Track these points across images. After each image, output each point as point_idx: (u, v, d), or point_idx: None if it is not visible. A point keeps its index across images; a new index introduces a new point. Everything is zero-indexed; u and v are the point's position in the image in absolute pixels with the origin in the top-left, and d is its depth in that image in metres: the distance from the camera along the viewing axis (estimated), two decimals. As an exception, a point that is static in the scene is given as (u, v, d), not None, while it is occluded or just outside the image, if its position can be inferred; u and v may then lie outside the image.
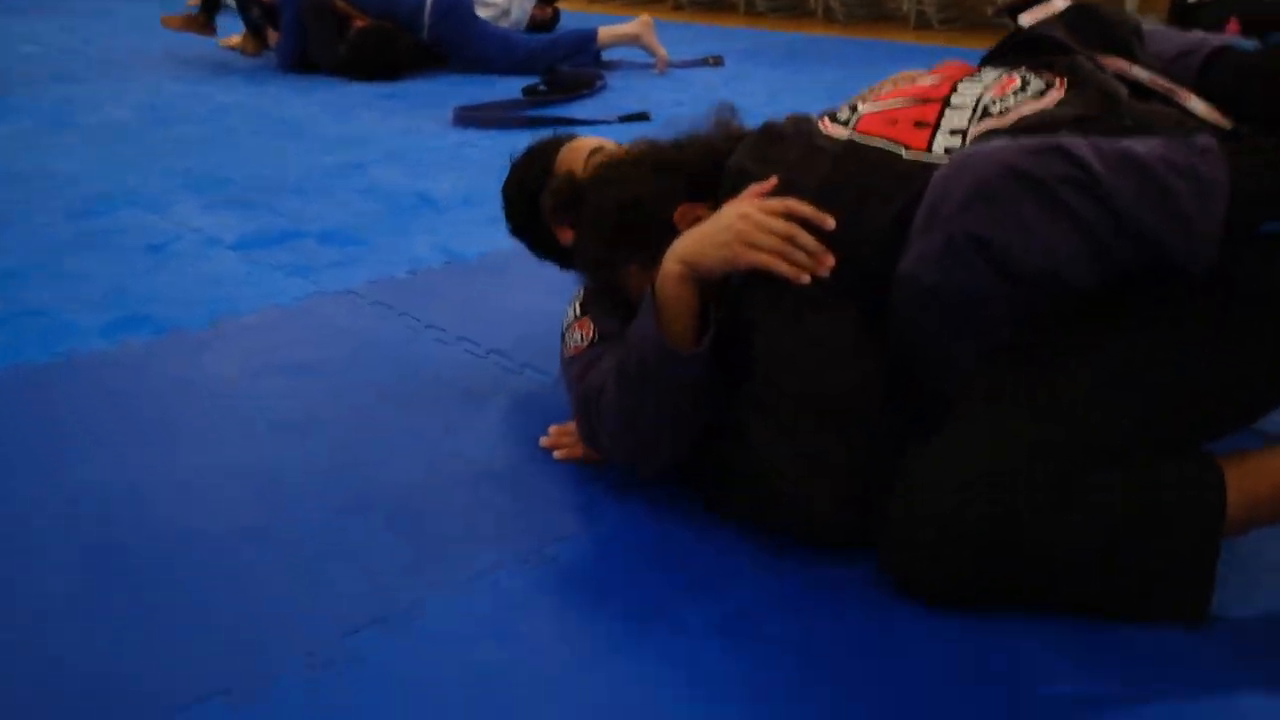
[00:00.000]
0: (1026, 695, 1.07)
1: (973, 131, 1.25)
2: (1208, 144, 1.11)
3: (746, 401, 1.27)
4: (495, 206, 1.85)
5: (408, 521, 1.39)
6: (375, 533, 1.36)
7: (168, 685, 1.10)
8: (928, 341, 1.22)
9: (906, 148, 1.26)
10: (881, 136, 1.29)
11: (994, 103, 1.28)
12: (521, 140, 1.86)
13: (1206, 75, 1.28)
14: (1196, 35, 1.36)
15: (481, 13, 4.75)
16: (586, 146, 1.65)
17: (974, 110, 1.27)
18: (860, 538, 1.24)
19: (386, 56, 4.45)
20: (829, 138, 1.33)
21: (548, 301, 2.08)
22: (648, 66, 4.66)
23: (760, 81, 4.37)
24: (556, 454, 1.53)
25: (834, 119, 1.36)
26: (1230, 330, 1.15)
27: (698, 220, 1.38)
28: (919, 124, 1.29)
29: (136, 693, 1.09)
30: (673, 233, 1.35)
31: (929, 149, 1.25)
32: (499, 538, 1.35)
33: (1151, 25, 1.42)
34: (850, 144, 1.30)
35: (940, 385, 1.23)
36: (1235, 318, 1.15)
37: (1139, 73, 1.28)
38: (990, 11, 1.35)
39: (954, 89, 1.32)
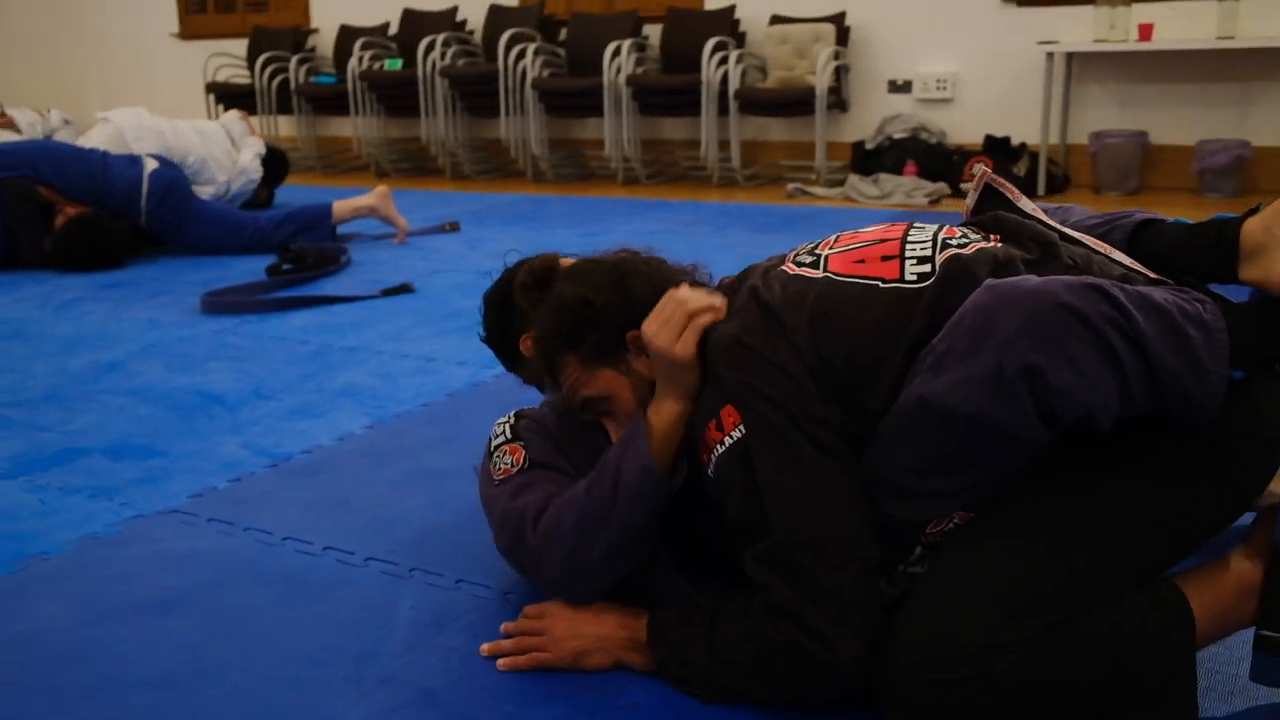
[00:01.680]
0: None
1: (939, 258, 1.32)
2: (1199, 294, 1.22)
3: (758, 565, 1.27)
4: (293, 398, 1.76)
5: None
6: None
7: None
8: (908, 475, 1.24)
9: (883, 280, 1.33)
10: (854, 275, 1.35)
11: (950, 239, 1.37)
12: (274, 322, 1.79)
13: (1136, 240, 1.42)
14: (1111, 212, 1.50)
15: (202, 192, 4.54)
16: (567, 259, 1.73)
17: (933, 243, 1.35)
18: (867, 680, 1.25)
19: (105, 245, 4.13)
20: (804, 278, 1.37)
21: (396, 494, 1.99)
22: (385, 237, 4.60)
23: (507, 241, 4.40)
24: (501, 663, 1.43)
25: (798, 264, 1.41)
26: (1193, 464, 1.24)
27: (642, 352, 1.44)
28: (885, 258, 1.35)
29: None
30: (621, 347, 1.45)
31: (901, 277, 1.32)
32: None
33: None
34: (828, 280, 1.35)
35: (910, 518, 1.27)
36: (1196, 451, 1.24)
37: (1065, 230, 1.40)
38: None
39: (906, 233, 1.41)
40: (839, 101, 5.87)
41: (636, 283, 1.53)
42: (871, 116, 5.93)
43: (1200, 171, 5.10)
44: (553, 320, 1.51)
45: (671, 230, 4.56)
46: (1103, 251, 1.36)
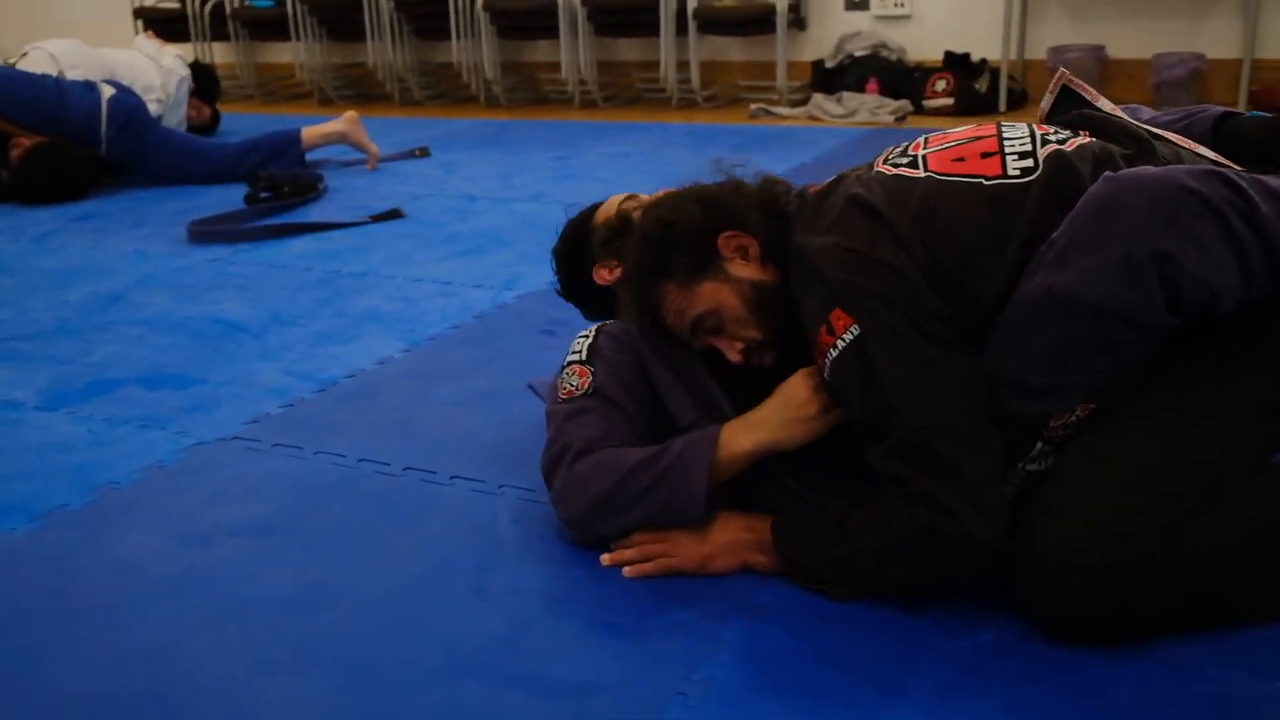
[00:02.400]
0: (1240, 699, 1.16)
1: (1041, 153, 1.35)
2: None
3: (887, 459, 1.30)
4: (316, 324, 1.75)
5: (539, 682, 1.26)
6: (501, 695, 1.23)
7: None
8: (1033, 369, 1.28)
9: (985, 177, 1.35)
10: (956, 174, 1.37)
11: (1048, 135, 1.39)
12: (270, 250, 1.78)
13: (1217, 134, 1.46)
14: (1186, 108, 1.54)
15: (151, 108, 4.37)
16: (617, 198, 1.74)
17: (1032, 138, 1.38)
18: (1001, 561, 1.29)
19: (65, 175, 3.97)
20: (906, 178, 1.39)
21: (457, 414, 1.98)
22: (354, 164, 4.49)
23: (482, 166, 4.34)
24: (629, 570, 1.45)
25: (895, 164, 1.43)
26: None
27: (742, 248, 1.46)
28: (985, 154, 1.37)
29: None
30: (716, 255, 1.45)
31: (1004, 173, 1.35)
32: (631, 684, 1.26)
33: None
34: (930, 179, 1.37)
35: (1035, 413, 1.31)
36: None
37: (1149, 127, 1.43)
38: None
39: (1000, 130, 1.42)
40: (798, 20, 5.84)
41: (714, 191, 1.54)
42: (830, 35, 5.91)
43: (1157, 84, 5.20)
44: (637, 254, 1.50)
45: (646, 153, 4.53)
46: (1189, 147, 1.40)
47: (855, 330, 1.31)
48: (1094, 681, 1.20)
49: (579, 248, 1.74)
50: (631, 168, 4.21)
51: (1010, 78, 5.39)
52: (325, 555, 1.54)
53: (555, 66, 6.19)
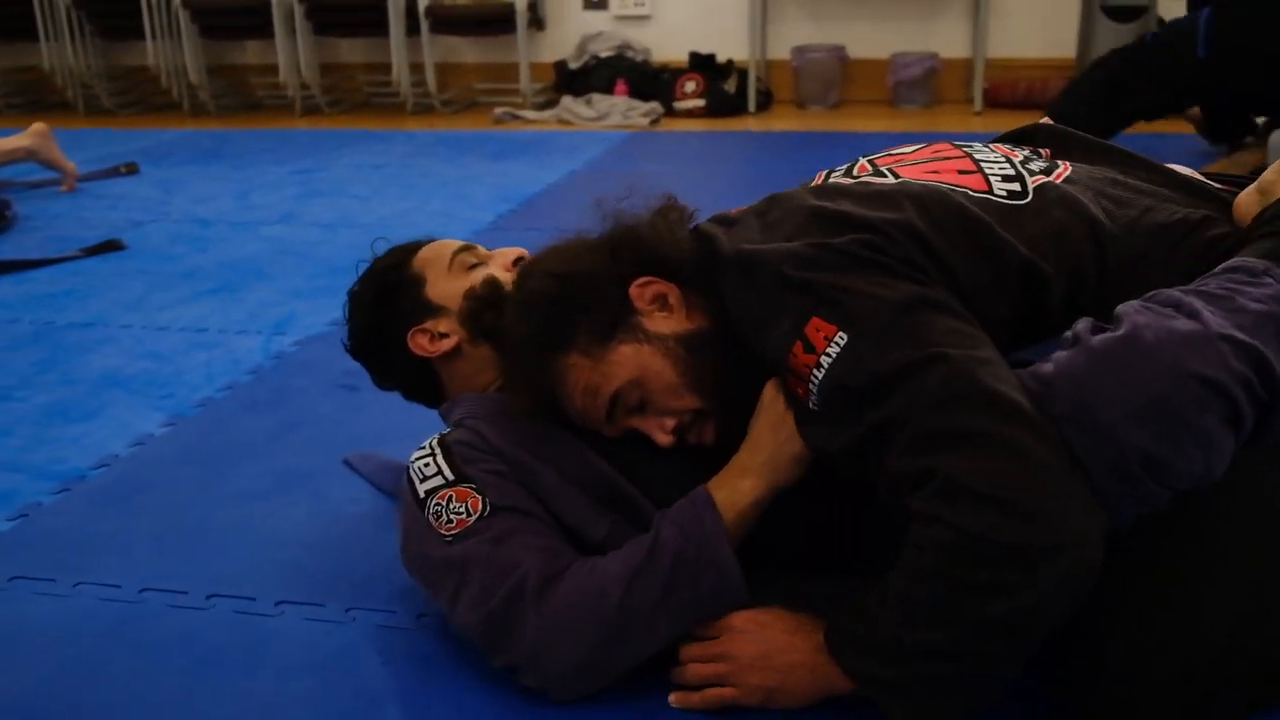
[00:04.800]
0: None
1: (1031, 183, 1.15)
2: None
3: (908, 458, 0.97)
4: (40, 395, 1.46)
5: None
6: None
7: None
8: None
9: (971, 189, 1.13)
10: (937, 182, 1.14)
11: (1028, 159, 1.19)
12: None
13: None
14: None
15: None
16: (449, 246, 1.41)
17: (1009, 163, 1.18)
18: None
19: None
20: (878, 183, 1.14)
21: (265, 511, 1.55)
22: (45, 185, 3.77)
23: (207, 184, 3.76)
24: (674, 698, 1.11)
25: (854, 177, 1.19)
26: None
27: (660, 296, 1.17)
28: (962, 172, 1.16)
29: None
30: (629, 311, 1.15)
31: (991, 190, 1.13)
32: None
33: None
34: (910, 183, 1.13)
35: None
36: None
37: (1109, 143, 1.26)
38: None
39: (968, 151, 1.23)
40: (536, 19, 5.54)
41: (611, 234, 1.22)
42: (568, 35, 5.66)
43: (895, 84, 5.27)
44: (524, 325, 1.17)
45: (398, 164, 4.09)
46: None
47: (843, 336, 1.01)
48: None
49: (389, 297, 1.40)
50: (387, 181, 3.77)
51: (756, 78, 5.32)
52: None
53: (270, 69, 5.61)
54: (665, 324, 1.17)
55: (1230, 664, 0.98)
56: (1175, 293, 0.99)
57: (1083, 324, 0.98)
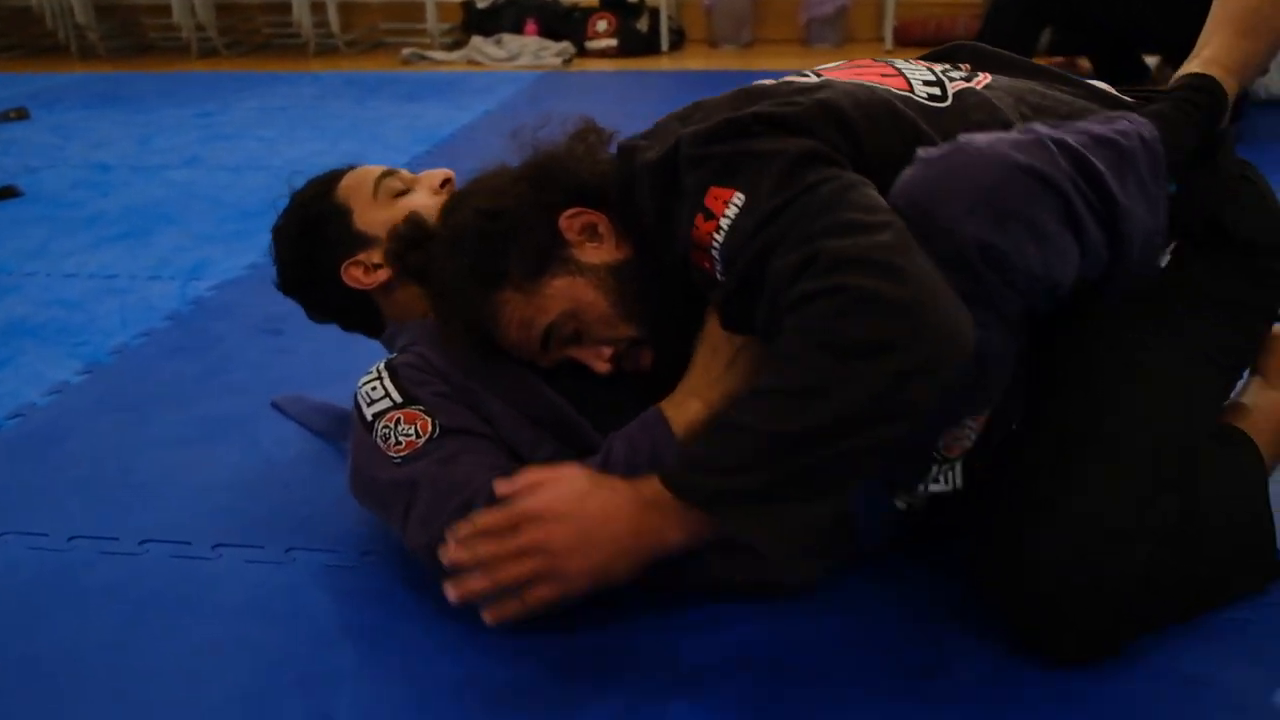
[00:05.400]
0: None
1: (950, 88, 1.14)
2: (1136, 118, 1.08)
3: (789, 268, 0.94)
4: None
5: None
6: None
7: None
8: None
9: (894, 89, 1.11)
10: (861, 80, 1.12)
11: (947, 70, 1.18)
12: None
13: None
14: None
15: None
16: (371, 172, 1.37)
17: (930, 72, 1.17)
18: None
19: None
20: (798, 83, 1.12)
21: (190, 456, 1.51)
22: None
23: (106, 128, 3.61)
24: (489, 616, 1.01)
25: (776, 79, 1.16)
26: (1239, 297, 1.17)
27: (590, 226, 1.16)
28: (886, 75, 1.15)
29: None
30: (559, 243, 1.14)
31: (912, 91, 1.12)
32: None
33: None
34: (834, 81, 1.11)
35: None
36: (1238, 284, 1.16)
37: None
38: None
39: (891, 62, 1.21)
40: (442, -44, 5.42)
41: (535, 163, 1.20)
42: (475, -27, 5.54)
43: (807, 21, 5.28)
44: (455, 261, 1.15)
45: (306, 106, 3.98)
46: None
47: (740, 196, 0.99)
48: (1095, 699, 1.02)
49: (315, 230, 1.36)
50: (294, 123, 3.66)
51: (669, 17, 5.28)
52: (54, 705, 1.06)
53: (163, 10, 5.40)
54: (596, 254, 1.16)
55: (1131, 538, 1.03)
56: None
57: (922, 149, 1.00)
